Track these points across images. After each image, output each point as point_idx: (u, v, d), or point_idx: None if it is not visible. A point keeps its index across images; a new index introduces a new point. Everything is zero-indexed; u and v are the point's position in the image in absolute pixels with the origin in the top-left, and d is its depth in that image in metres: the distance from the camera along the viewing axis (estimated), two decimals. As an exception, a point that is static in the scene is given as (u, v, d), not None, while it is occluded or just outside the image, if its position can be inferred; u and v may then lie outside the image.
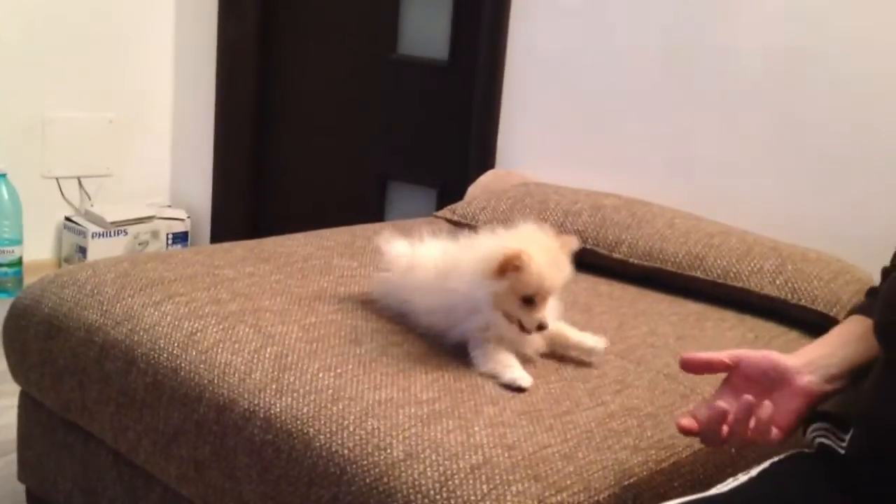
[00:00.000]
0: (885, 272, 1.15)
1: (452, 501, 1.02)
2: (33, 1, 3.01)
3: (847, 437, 1.10)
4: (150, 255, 1.72)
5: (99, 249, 3.08)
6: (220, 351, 1.32)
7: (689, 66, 2.20)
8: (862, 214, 1.96)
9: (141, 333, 1.40)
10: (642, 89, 2.28)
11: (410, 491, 1.04)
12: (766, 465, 1.08)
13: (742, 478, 1.05)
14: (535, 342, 1.34)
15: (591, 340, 1.37)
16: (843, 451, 1.09)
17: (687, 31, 2.19)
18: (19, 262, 2.97)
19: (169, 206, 3.47)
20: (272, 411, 1.20)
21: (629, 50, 2.30)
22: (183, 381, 1.30)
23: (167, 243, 3.34)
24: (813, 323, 1.68)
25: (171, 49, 3.42)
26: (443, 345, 1.36)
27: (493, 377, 1.27)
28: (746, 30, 2.10)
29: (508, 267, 1.24)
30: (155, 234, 3.30)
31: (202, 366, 1.30)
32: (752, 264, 1.75)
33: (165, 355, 1.35)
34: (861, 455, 1.03)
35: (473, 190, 2.42)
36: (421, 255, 1.44)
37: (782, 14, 2.05)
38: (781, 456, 1.11)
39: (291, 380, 1.24)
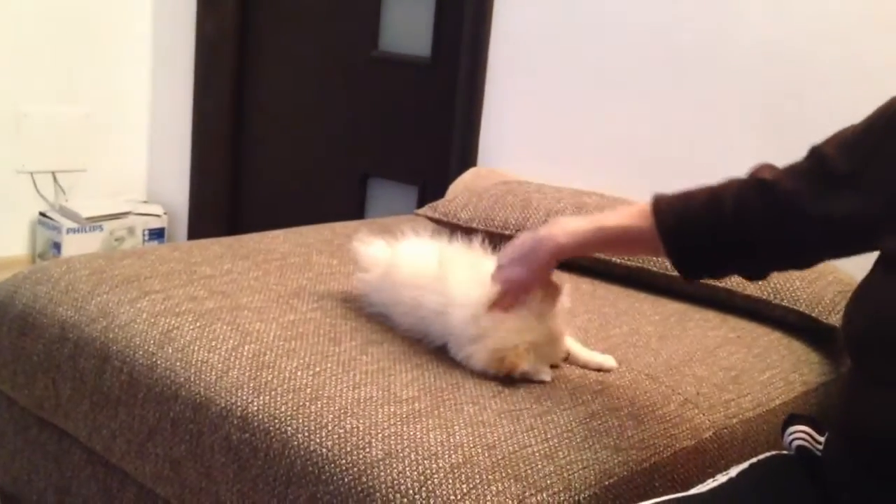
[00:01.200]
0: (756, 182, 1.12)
1: (432, 501, 1.01)
2: (9, -7, 2.98)
3: (823, 440, 1.11)
4: (126, 251, 1.70)
5: (74, 245, 3.04)
6: (196, 349, 1.30)
7: (673, 64, 2.20)
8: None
9: (116, 331, 1.38)
10: (626, 87, 2.28)
11: (389, 490, 1.03)
12: (745, 465, 1.09)
13: (721, 478, 1.06)
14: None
15: (599, 358, 1.38)
16: (819, 454, 1.09)
17: (671, 28, 2.20)
18: (-7, 258, 2.94)
19: (145, 202, 3.44)
20: (249, 410, 1.18)
21: (613, 48, 2.29)
22: (158, 379, 1.29)
23: (143, 239, 3.31)
24: (795, 323, 1.69)
25: (149, 44, 3.39)
26: (423, 344, 1.36)
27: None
28: (733, 27, 2.10)
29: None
30: (131, 231, 3.27)
31: (178, 363, 1.29)
32: (734, 264, 1.75)
33: (141, 353, 1.33)
34: (836, 457, 1.04)
35: (455, 188, 2.41)
36: (409, 254, 1.43)
37: (771, 8, 2.05)
38: (761, 457, 1.12)
39: (269, 378, 1.22)
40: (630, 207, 1.21)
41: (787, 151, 2.16)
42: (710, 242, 1.12)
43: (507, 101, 2.50)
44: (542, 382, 1.28)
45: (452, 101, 2.64)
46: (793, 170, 1.10)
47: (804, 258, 1.13)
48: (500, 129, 2.52)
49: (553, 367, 1.33)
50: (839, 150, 1.04)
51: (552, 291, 1.27)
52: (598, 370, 1.36)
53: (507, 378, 1.26)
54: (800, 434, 1.14)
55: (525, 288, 1.25)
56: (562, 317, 1.30)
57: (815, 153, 1.08)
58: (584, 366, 1.36)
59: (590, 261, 1.88)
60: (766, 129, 2.08)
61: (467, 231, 1.92)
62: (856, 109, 1.98)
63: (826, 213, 1.02)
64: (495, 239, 1.41)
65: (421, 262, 1.38)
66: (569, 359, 1.37)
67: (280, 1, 3.17)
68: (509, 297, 1.25)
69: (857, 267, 1.21)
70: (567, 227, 1.21)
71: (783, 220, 1.07)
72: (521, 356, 1.24)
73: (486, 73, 2.52)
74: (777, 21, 2.04)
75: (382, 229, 1.54)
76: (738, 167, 2.22)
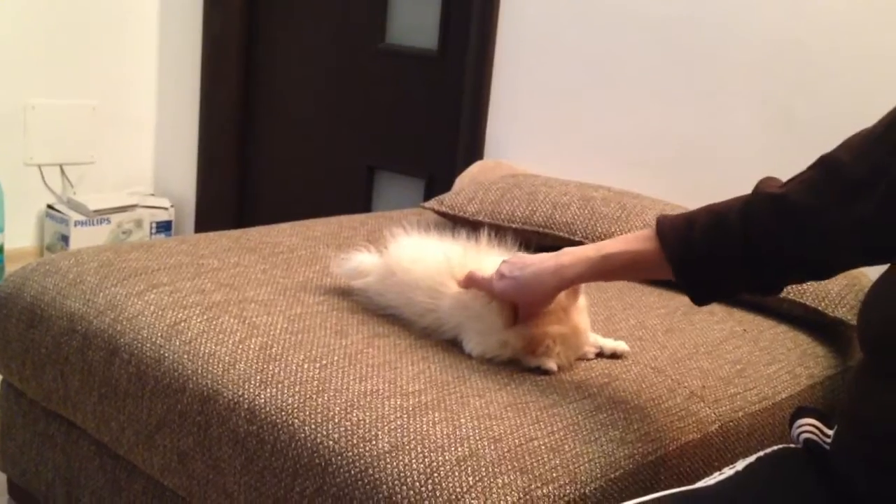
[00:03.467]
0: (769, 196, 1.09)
1: (438, 493, 1.01)
2: (17, -14, 2.99)
3: (832, 433, 1.10)
4: (134, 244, 1.70)
5: (81, 238, 3.06)
6: (204, 341, 1.31)
7: (682, 58, 2.20)
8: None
9: (124, 323, 1.39)
10: (634, 79, 2.28)
11: (396, 483, 1.04)
12: (751, 459, 1.08)
13: (728, 472, 1.05)
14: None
15: (612, 344, 1.40)
16: (827, 447, 1.09)
17: (680, 22, 2.19)
18: (1, 250, 2.94)
19: (152, 195, 3.45)
20: (256, 402, 1.19)
21: (621, 41, 2.29)
22: (166, 372, 1.29)
23: (151, 232, 3.32)
24: (801, 317, 1.68)
25: (156, 36, 3.40)
26: (430, 337, 1.36)
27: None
28: (744, 21, 2.10)
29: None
30: (138, 223, 3.28)
31: (186, 356, 1.29)
32: (740, 257, 1.74)
33: (149, 345, 1.33)
34: (844, 451, 1.03)
35: (461, 180, 2.41)
36: (411, 256, 1.42)
37: (784, 2, 2.04)
38: (767, 451, 1.11)
39: (276, 371, 1.23)
40: (632, 233, 1.20)
41: (798, 147, 2.18)
42: (718, 260, 1.10)
43: (513, 94, 2.50)
44: (547, 373, 1.28)
45: (459, 93, 2.64)
46: (803, 181, 1.06)
47: (825, 270, 1.10)
48: (507, 121, 2.52)
49: (579, 359, 1.34)
50: (853, 154, 1.01)
51: (573, 289, 1.28)
52: (613, 356, 1.38)
53: (513, 369, 1.27)
54: (808, 427, 1.14)
55: (530, 316, 1.26)
56: (586, 312, 1.32)
57: (826, 162, 1.05)
58: (600, 352, 1.38)
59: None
60: (776, 125, 2.07)
61: (473, 224, 1.92)
62: (869, 104, 1.97)
63: (846, 224, 1.00)
64: (501, 232, 1.41)
65: (428, 263, 1.38)
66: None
67: (287, -7, 3.17)
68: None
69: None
70: (573, 257, 1.19)
71: (800, 236, 1.04)
72: (547, 335, 1.26)
73: (493, 65, 2.52)
74: (789, 15, 2.03)
75: (388, 222, 1.54)
76: (747, 162, 2.23)
